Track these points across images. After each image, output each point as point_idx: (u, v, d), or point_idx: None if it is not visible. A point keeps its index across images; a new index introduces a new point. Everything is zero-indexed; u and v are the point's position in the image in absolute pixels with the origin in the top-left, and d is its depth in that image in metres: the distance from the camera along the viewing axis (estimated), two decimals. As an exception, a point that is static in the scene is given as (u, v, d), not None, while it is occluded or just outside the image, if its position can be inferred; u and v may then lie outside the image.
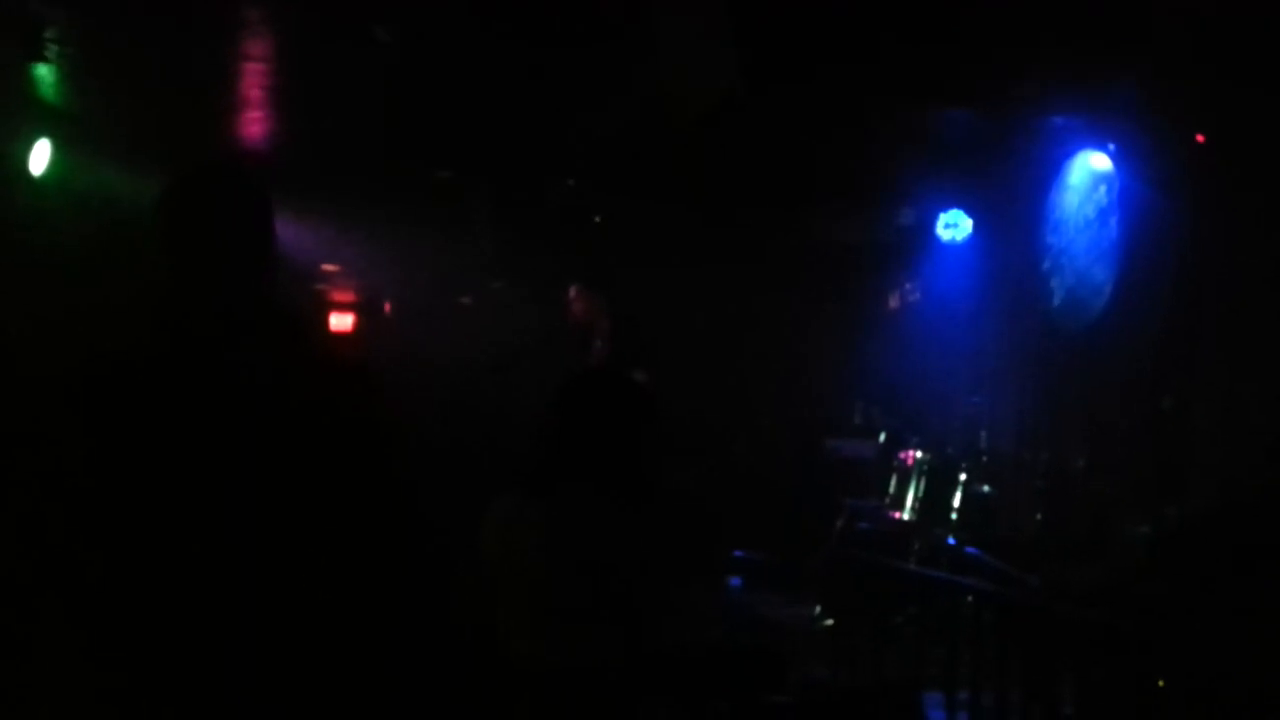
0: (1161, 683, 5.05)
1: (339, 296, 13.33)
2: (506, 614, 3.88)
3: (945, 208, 10.57)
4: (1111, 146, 8.40)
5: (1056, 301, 9.20)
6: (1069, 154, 8.95)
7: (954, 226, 10.56)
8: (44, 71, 7.98)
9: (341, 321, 13.10)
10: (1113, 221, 8.45)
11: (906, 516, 8.88)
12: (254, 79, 8.27)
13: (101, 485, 2.75)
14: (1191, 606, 5.28)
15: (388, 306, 13.34)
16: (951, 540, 8.13)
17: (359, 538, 2.92)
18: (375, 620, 2.93)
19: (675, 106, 7.60)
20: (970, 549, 7.66)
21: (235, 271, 2.94)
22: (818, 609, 8.78)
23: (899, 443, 9.57)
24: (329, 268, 12.93)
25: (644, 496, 4.09)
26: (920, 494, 8.88)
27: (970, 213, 10.50)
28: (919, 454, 9.07)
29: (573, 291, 8.80)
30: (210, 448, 2.78)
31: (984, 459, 8.94)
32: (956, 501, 8.62)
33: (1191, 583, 5.59)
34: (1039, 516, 8.01)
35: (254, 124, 9.28)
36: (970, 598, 6.65)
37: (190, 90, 8.50)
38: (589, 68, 7.48)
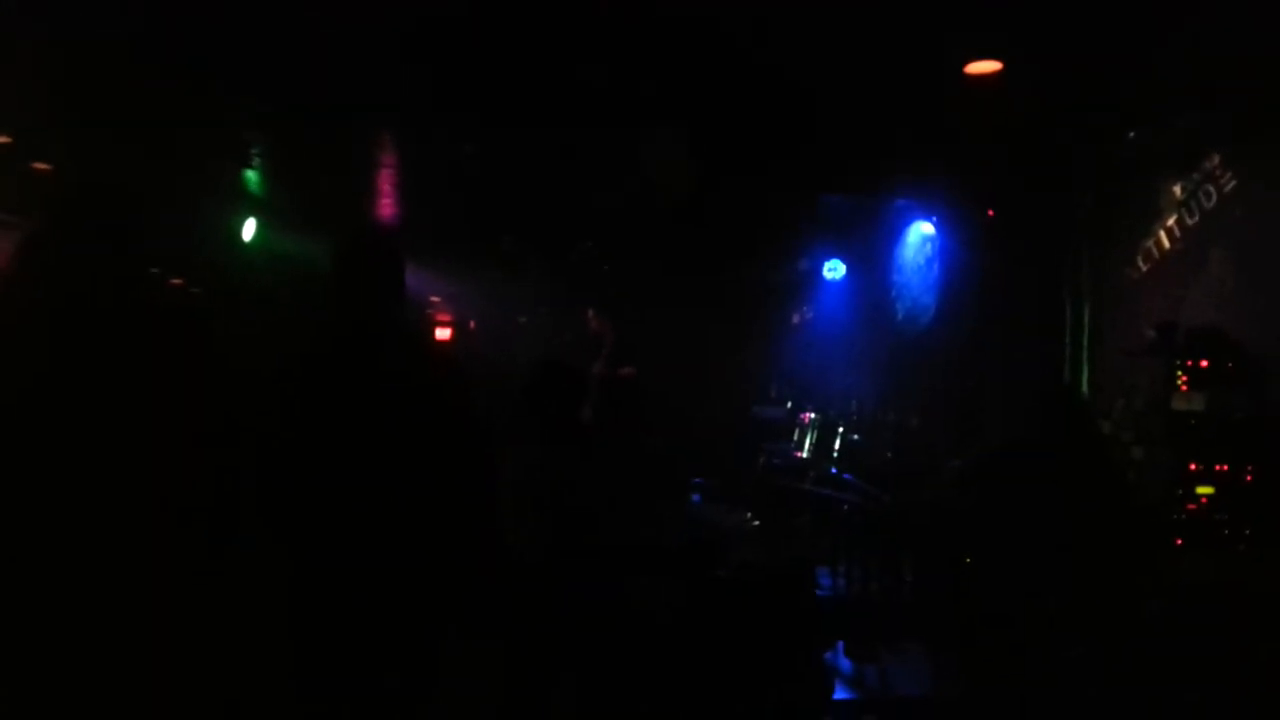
0: (967, 559, 5.07)
1: (441, 317, 13.28)
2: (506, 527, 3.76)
3: (829, 257, 10.56)
4: (935, 218, 8.45)
5: (900, 316, 9.23)
6: (908, 222, 8.97)
7: (835, 269, 10.56)
8: (251, 174, 8.00)
9: (443, 334, 13.04)
10: (935, 266, 8.50)
11: (805, 455, 8.90)
12: (386, 175, 8.24)
13: (302, 437, 2.70)
14: (984, 511, 5.31)
15: (472, 324, 13.30)
16: (834, 470, 8.17)
17: (456, 469, 2.85)
18: (464, 524, 2.84)
19: (659, 190, 7.57)
20: (846, 475, 7.70)
21: (380, 300, 2.91)
22: (748, 514, 8.80)
23: (800, 408, 9.58)
24: (435, 299, 12.93)
25: (585, 445, 4.03)
26: (814, 441, 8.89)
27: (845, 260, 10.50)
28: (813, 415, 9.09)
29: (589, 314, 8.83)
30: (367, 413, 2.74)
31: (854, 418, 8.95)
32: (837, 445, 8.63)
33: (984, 495, 5.63)
34: (889, 455, 8.05)
35: (387, 205, 9.25)
36: (845, 507, 6.69)
37: (345, 183, 8.49)
38: (605, 158, 7.42)
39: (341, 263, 2.92)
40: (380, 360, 2.84)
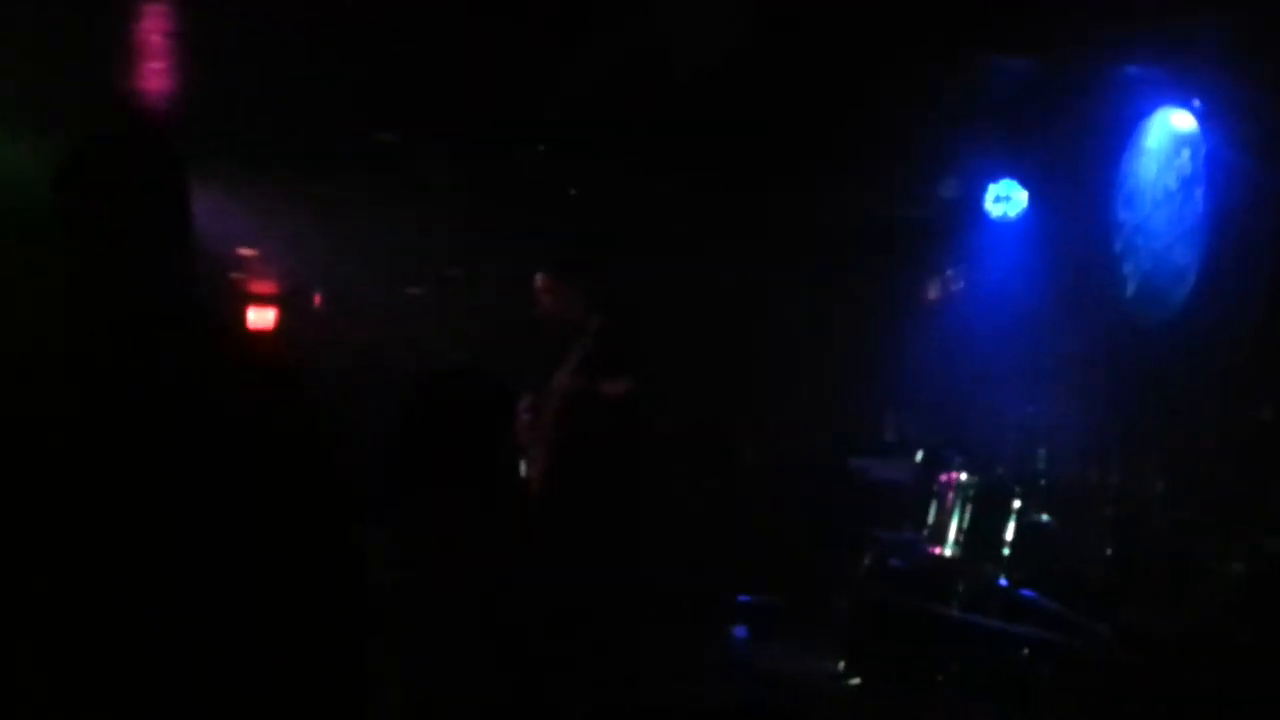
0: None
1: (258, 287, 13.30)
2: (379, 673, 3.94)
3: (995, 178, 10.63)
4: (1197, 103, 8.42)
5: (1130, 290, 9.22)
6: (1145, 112, 8.98)
7: (1006, 200, 10.60)
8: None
9: (262, 317, 13.05)
10: (1198, 193, 8.47)
11: (949, 552, 8.85)
12: (155, 20, 8.24)
13: None
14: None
15: (318, 299, 13.32)
16: (1004, 581, 8.12)
17: (286, 580, 2.96)
18: (302, 659, 2.97)
19: (671, 54, 7.63)
20: (1026, 591, 7.65)
21: (143, 256, 2.99)
22: (841, 664, 8.77)
23: (940, 462, 9.55)
24: (247, 253, 12.92)
25: (511, 497, 4.22)
26: (965, 524, 8.85)
27: (1025, 183, 10.56)
28: (964, 476, 9.05)
29: (540, 280, 8.72)
30: (111, 459, 2.83)
31: (1042, 482, 8.92)
32: (1009, 533, 8.58)
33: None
34: (1109, 551, 8.00)
35: (157, 77, 9.25)
36: (1026, 650, 6.66)
37: (83, 39, 8.48)
38: (564, 4, 7.49)
39: (69, 188, 3.02)
40: (143, 369, 2.91)
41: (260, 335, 12.61)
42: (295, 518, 2.97)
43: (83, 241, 2.98)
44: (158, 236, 3.01)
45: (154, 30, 8.50)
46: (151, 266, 2.99)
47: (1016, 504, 8.69)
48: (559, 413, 8.20)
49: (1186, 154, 8.63)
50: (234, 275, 13.04)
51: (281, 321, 13.07)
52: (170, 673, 2.83)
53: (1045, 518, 8.70)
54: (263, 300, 13.16)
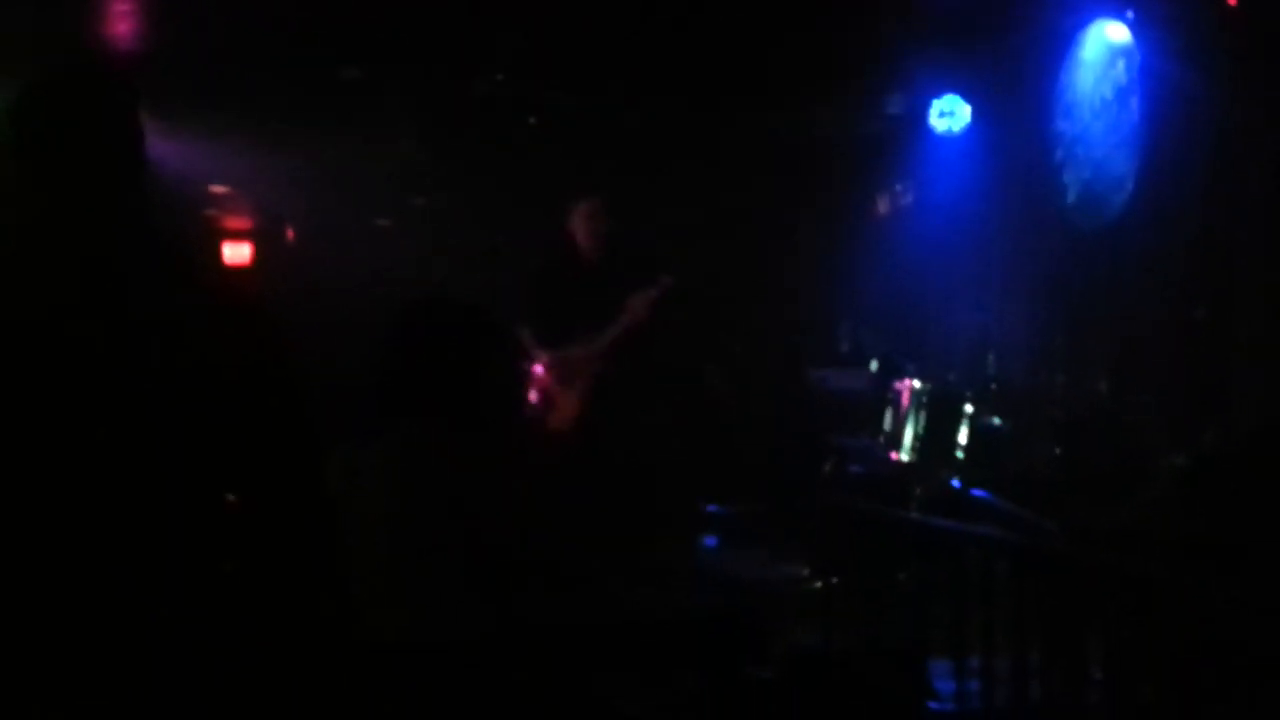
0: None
1: (232, 223, 13.21)
2: (361, 583, 3.96)
3: (939, 93, 10.60)
4: (1130, 14, 8.41)
5: (1071, 198, 9.23)
6: (1081, 24, 8.97)
7: (950, 115, 10.59)
8: None
9: (237, 252, 12.97)
10: (1134, 102, 8.47)
11: (905, 457, 8.91)
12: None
13: None
14: (1235, 548, 5.31)
15: (291, 233, 13.25)
16: (957, 482, 8.16)
17: (257, 508, 2.94)
18: (275, 593, 2.96)
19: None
20: (979, 491, 7.69)
21: (99, 193, 2.94)
22: (805, 568, 8.82)
23: (894, 371, 9.58)
24: (219, 189, 12.84)
25: (497, 429, 4.22)
26: (920, 430, 8.89)
27: (968, 98, 10.53)
28: (917, 384, 9.09)
29: (589, 208, 8.75)
30: (81, 406, 2.78)
31: (993, 387, 8.96)
32: (962, 437, 8.63)
33: (1235, 521, 5.62)
34: (1057, 451, 8.07)
35: (116, 17, 9.13)
36: (980, 548, 6.68)
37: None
38: None
39: (23, 126, 2.97)
40: (110, 312, 2.86)
41: (236, 270, 12.56)
42: (264, 452, 2.95)
43: (37, 176, 2.94)
44: (114, 171, 2.97)
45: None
46: (108, 200, 2.95)
47: (968, 409, 8.73)
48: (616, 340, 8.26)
49: (1121, 65, 8.62)
50: (208, 212, 12.96)
51: (256, 255, 12.99)
52: (138, 597, 2.81)
53: (996, 421, 8.75)
54: (237, 236, 13.09)
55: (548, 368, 8.66)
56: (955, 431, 8.69)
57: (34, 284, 2.86)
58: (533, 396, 8.65)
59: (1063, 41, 9.17)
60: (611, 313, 8.63)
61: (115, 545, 2.79)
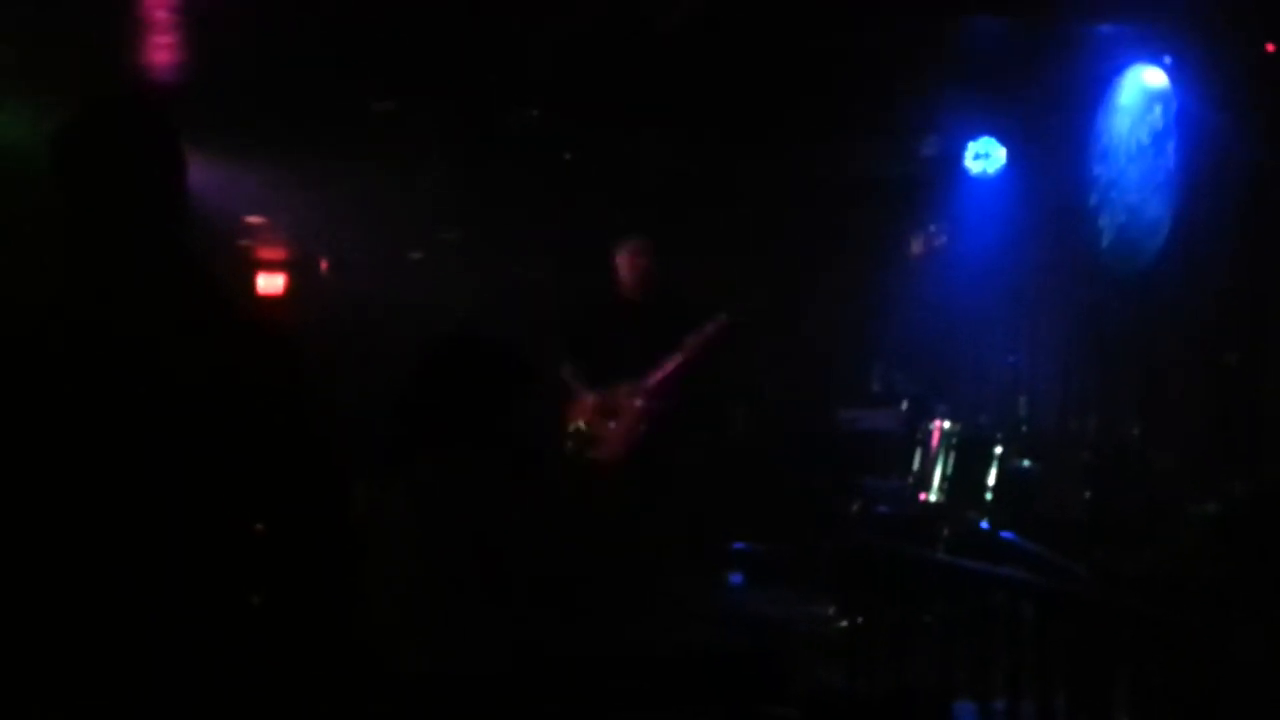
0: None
1: (267, 254, 13.29)
2: (383, 612, 3.97)
3: (975, 135, 10.57)
4: (1168, 60, 8.40)
5: (1106, 242, 9.20)
6: (1118, 70, 8.95)
7: (985, 157, 10.56)
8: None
9: (271, 283, 13.05)
10: (1170, 148, 8.45)
11: (933, 498, 8.87)
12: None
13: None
14: (1264, 596, 5.29)
15: (324, 264, 13.30)
16: (985, 524, 8.14)
17: (284, 537, 2.95)
18: (296, 623, 2.96)
19: (655, 11, 7.58)
20: (1007, 534, 7.66)
21: (141, 222, 2.96)
22: (831, 608, 8.79)
23: (924, 412, 9.55)
24: (254, 220, 12.90)
25: (524, 462, 4.23)
26: (949, 471, 8.86)
27: (1004, 141, 10.50)
28: (947, 424, 9.05)
29: (633, 248, 8.83)
30: (112, 428, 2.80)
31: (1023, 429, 8.94)
32: (991, 479, 8.60)
33: (1264, 568, 5.60)
34: (1087, 495, 8.02)
35: (158, 50, 9.20)
36: (1007, 590, 6.66)
37: (83, 13, 8.44)
38: None
39: (68, 156, 2.99)
40: (147, 339, 2.87)
41: (269, 300, 12.62)
42: (292, 481, 2.96)
43: (79, 204, 2.96)
44: (153, 202, 2.98)
45: (158, 5, 8.45)
46: (146, 231, 2.96)
47: (998, 450, 8.70)
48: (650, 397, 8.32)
49: (1158, 110, 8.60)
50: (243, 243, 13.02)
51: (290, 286, 13.05)
52: (166, 626, 2.81)
53: (1025, 463, 8.72)
54: (272, 266, 13.15)
55: (592, 404, 8.72)
56: (985, 473, 8.66)
57: (72, 311, 2.88)
58: (575, 430, 8.71)
59: (1100, 86, 9.16)
60: (654, 350, 8.68)
61: (146, 575, 2.80)
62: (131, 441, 2.80)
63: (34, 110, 8.24)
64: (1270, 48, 7.57)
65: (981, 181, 10.64)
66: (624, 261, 8.91)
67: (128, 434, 2.80)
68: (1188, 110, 8.27)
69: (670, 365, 8.63)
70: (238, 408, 2.89)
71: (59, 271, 2.97)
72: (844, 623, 8.59)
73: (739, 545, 10.46)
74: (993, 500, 8.55)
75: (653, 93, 9.82)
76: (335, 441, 3.07)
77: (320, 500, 3.02)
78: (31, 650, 2.75)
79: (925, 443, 9.27)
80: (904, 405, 10.02)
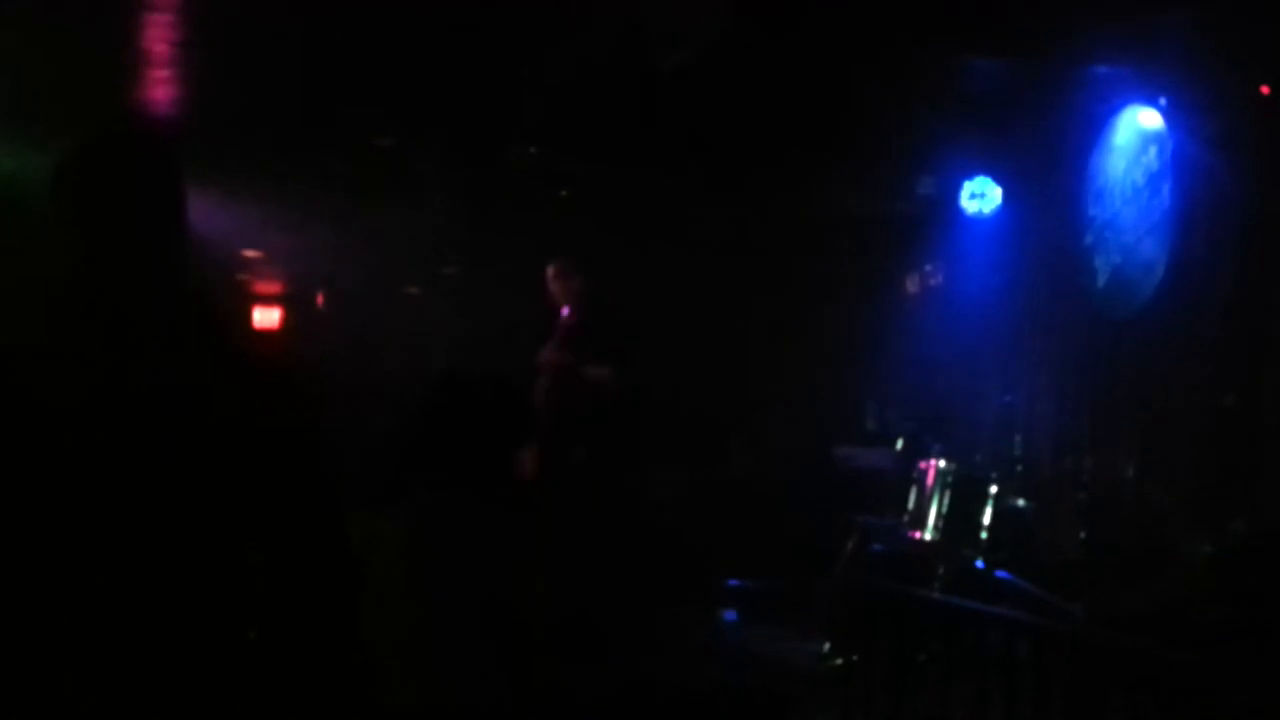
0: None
1: (264, 288, 13.31)
2: (380, 647, 3.96)
3: (970, 175, 10.59)
4: (1163, 101, 8.40)
5: (1101, 283, 9.20)
6: (1114, 111, 8.94)
7: (981, 197, 10.57)
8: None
9: (267, 317, 13.06)
10: (1165, 189, 8.44)
11: (928, 536, 8.86)
12: (159, 29, 8.22)
13: None
14: (1260, 635, 5.29)
15: (321, 298, 13.31)
16: (981, 563, 8.14)
17: (282, 570, 2.95)
18: (297, 659, 2.95)
19: (654, 51, 7.60)
20: (1003, 573, 7.66)
21: (141, 253, 2.96)
22: (826, 645, 8.78)
23: (919, 450, 9.55)
24: (251, 254, 12.92)
25: (521, 502, 4.23)
26: (944, 510, 8.85)
27: (999, 181, 10.52)
28: (942, 463, 9.05)
29: (551, 270, 8.92)
30: (113, 454, 2.79)
31: (1018, 468, 8.95)
32: (986, 518, 8.59)
33: (1260, 608, 5.60)
34: (1083, 535, 8.02)
35: (159, 84, 9.23)
36: (1003, 629, 6.65)
37: (87, 45, 8.46)
38: (550, 3, 7.48)
39: (68, 187, 2.99)
40: (143, 369, 2.87)
41: (266, 333, 12.63)
42: (290, 512, 2.96)
43: (81, 237, 2.95)
44: (153, 234, 2.98)
45: (159, 40, 8.48)
46: (146, 263, 2.96)
47: (993, 490, 8.71)
48: (547, 390, 8.30)
49: (1153, 151, 8.61)
50: (241, 276, 13.05)
51: (286, 320, 13.06)
52: (163, 660, 2.80)
53: (1021, 503, 8.72)
54: (268, 300, 13.17)
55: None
56: (980, 512, 8.65)
57: (70, 340, 2.87)
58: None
59: (1095, 126, 9.17)
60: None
61: (144, 604, 2.79)
62: (133, 469, 2.80)
63: (37, 141, 8.23)
64: (1265, 90, 7.58)
65: (977, 221, 10.65)
66: (548, 281, 9.21)
67: (128, 461, 2.80)
68: (1183, 151, 8.27)
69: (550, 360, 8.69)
70: (238, 438, 2.89)
71: (60, 299, 2.97)
72: (839, 660, 8.60)
73: (734, 582, 10.46)
74: (988, 539, 8.55)
75: (652, 133, 9.85)
76: (333, 474, 3.06)
77: (319, 531, 3.01)
78: (31, 677, 2.75)
79: (920, 481, 9.27)
80: (899, 444, 10.05)
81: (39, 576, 2.78)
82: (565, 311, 9.07)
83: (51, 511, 2.78)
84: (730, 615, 10.23)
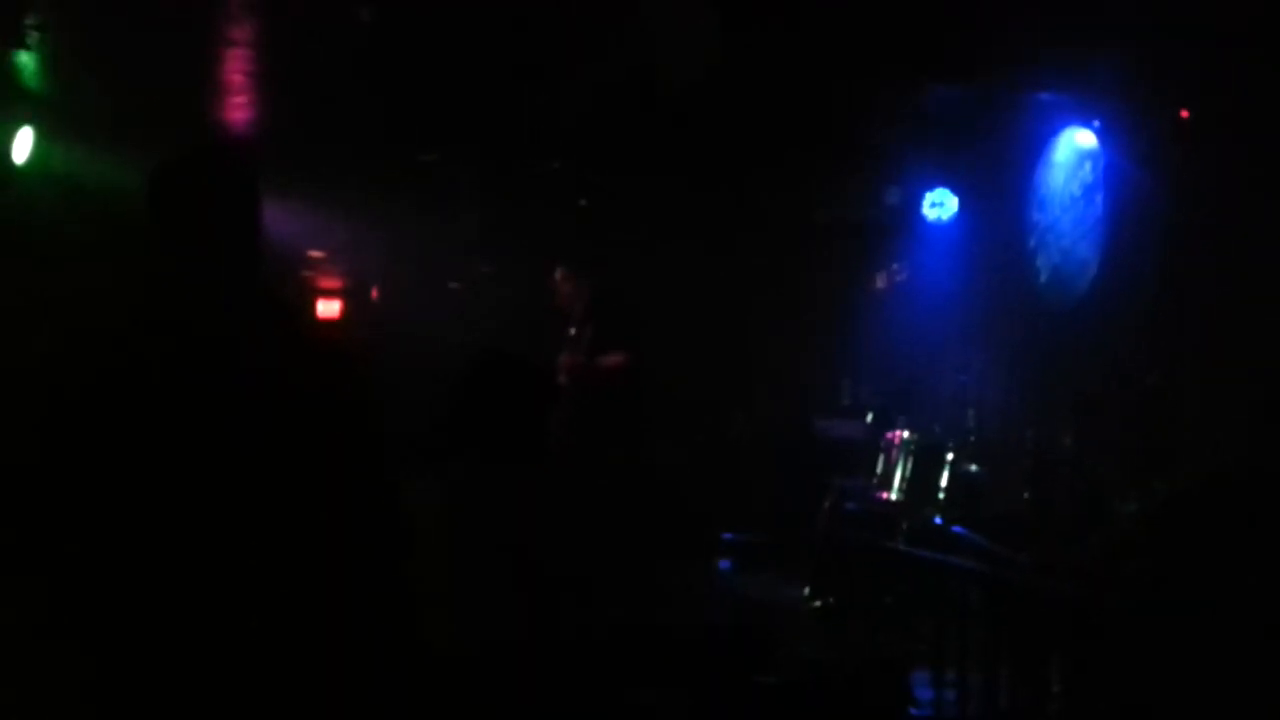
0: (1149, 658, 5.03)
1: (325, 283, 13.27)
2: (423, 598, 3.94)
3: (931, 186, 10.57)
4: (1096, 123, 8.42)
5: (1043, 279, 9.20)
6: (1054, 131, 8.95)
7: (940, 205, 10.55)
8: (26, 58, 7.91)
9: (329, 308, 13.03)
10: (1098, 198, 8.45)
11: (894, 496, 8.86)
12: (237, 62, 8.22)
13: (89, 483, 2.70)
14: (1179, 582, 5.26)
15: (375, 292, 13.28)
16: (938, 519, 8.11)
17: (348, 526, 2.89)
18: (362, 616, 2.91)
19: (661, 83, 7.59)
20: (957, 528, 7.64)
21: (223, 256, 2.94)
22: (806, 589, 8.78)
23: (886, 422, 9.54)
24: (315, 254, 12.91)
25: (550, 469, 4.21)
26: (907, 473, 8.84)
27: (956, 191, 10.50)
28: (906, 433, 9.04)
29: (559, 274, 8.84)
30: (201, 438, 2.75)
31: (971, 438, 8.92)
32: (944, 481, 8.58)
33: (1179, 558, 5.57)
34: (1026, 495, 7.98)
35: (238, 109, 9.23)
36: (958, 577, 6.64)
37: (175, 75, 8.46)
38: (572, 40, 7.46)
39: (161, 197, 2.97)
40: (224, 352, 2.84)
41: (327, 322, 12.61)
42: (353, 479, 2.90)
43: (171, 237, 2.95)
44: (233, 236, 2.97)
45: (238, 71, 8.48)
46: (231, 260, 2.95)
47: (950, 456, 8.69)
48: (566, 388, 8.24)
49: (1088, 166, 8.61)
50: (305, 273, 13.03)
51: (345, 311, 13.04)
52: (246, 637, 2.75)
53: (974, 468, 8.70)
54: (329, 294, 13.13)
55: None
56: (938, 476, 8.64)
57: (159, 332, 2.84)
58: None
59: (1038, 144, 9.17)
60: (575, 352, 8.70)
61: (222, 578, 2.74)
62: (215, 453, 2.75)
63: (133, 155, 8.23)
64: (1184, 114, 7.58)
65: (937, 226, 10.63)
66: (556, 283, 8.97)
67: (210, 444, 2.75)
68: (1113, 166, 8.27)
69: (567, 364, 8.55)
70: (308, 414, 2.85)
71: (146, 296, 2.93)
72: (818, 603, 8.59)
73: (728, 536, 10.45)
74: (945, 499, 8.53)
75: (660, 149, 9.83)
76: (384, 457, 3.04)
77: (377, 495, 2.96)
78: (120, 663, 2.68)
79: (887, 449, 9.27)
80: (870, 417, 10.03)
81: (125, 547, 2.72)
82: (573, 311, 8.88)
83: (139, 493, 2.72)
84: (725, 565, 10.22)
